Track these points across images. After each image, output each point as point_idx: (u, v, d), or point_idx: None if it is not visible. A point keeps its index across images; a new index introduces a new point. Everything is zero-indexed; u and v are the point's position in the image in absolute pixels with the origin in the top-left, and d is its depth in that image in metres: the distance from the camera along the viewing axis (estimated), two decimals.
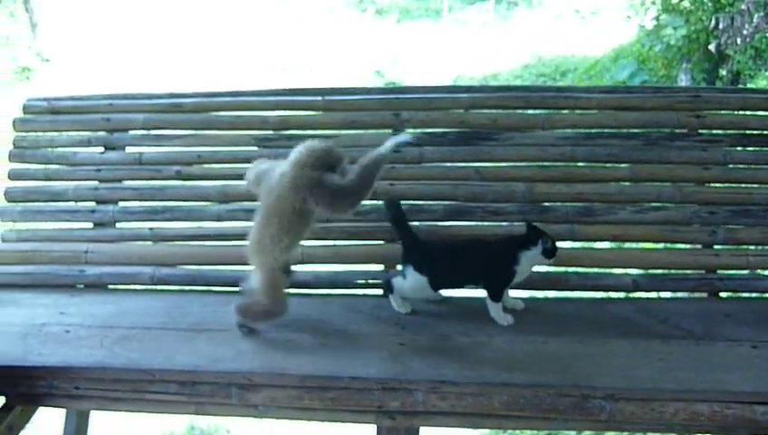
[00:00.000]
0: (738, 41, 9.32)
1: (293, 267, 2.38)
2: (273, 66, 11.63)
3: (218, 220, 2.71)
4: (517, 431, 4.24)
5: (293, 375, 2.09)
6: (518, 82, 11.88)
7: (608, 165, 2.68)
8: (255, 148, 2.81)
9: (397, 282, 2.38)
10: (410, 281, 2.33)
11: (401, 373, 2.07)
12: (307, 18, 14.00)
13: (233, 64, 11.41)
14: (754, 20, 9.19)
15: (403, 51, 13.54)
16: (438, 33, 14.82)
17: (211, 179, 2.80)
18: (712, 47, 9.48)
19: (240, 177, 2.76)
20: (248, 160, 2.79)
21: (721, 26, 9.35)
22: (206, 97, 2.93)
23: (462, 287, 2.39)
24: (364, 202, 2.52)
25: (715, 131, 2.74)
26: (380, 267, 2.60)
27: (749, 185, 2.65)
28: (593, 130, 2.72)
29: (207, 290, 2.61)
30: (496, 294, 2.33)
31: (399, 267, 2.40)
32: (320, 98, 2.86)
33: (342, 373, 2.08)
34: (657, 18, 10.73)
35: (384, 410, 2.09)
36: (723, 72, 9.73)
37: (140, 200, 2.80)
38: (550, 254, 2.30)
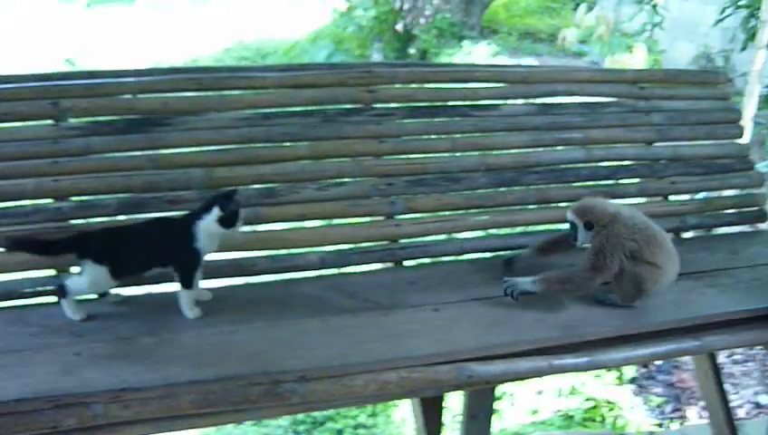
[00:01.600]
0: (422, 21, 9.98)
1: None
2: None
3: None
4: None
5: None
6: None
7: (287, 144, 2.64)
8: None
9: (71, 283, 2.16)
10: (88, 276, 2.13)
11: (76, 387, 1.87)
12: None
13: None
14: (434, 2, 9.89)
15: (95, 38, 12.76)
16: (133, 18, 14.17)
17: None
18: (399, 27, 10.05)
19: None
20: None
21: (406, 7, 9.94)
22: None
23: (148, 271, 2.23)
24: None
25: (388, 105, 2.81)
26: (51, 272, 2.36)
27: (422, 155, 2.76)
28: (270, 110, 2.67)
29: None
30: (188, 280, 2.19)
31: (75, 269, 2.19)
32: None
33: (7, 397, 1.82)
34: (349, 0, 11.11)
35: (59, 430, 1.86)
36: (412, 51, 10.33)
37: None
38: (225, 221, 2.15)
